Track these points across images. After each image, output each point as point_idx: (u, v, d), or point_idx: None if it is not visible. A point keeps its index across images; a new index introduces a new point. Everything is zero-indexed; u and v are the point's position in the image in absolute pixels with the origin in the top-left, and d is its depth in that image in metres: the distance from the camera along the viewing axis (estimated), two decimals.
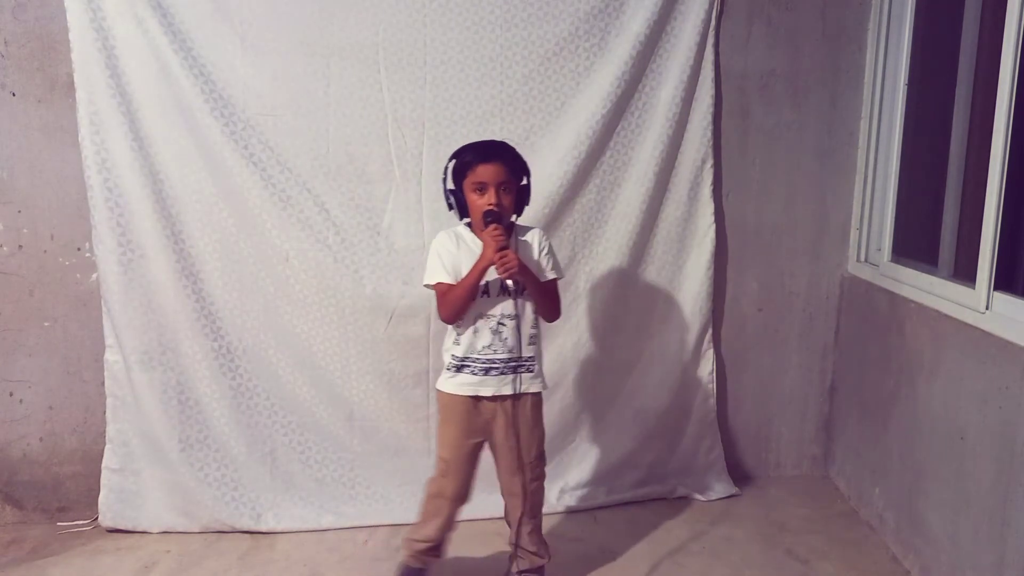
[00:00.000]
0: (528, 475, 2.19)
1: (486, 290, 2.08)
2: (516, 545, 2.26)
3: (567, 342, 2.84)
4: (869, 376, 2.77)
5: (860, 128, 2.93)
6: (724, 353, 3.05)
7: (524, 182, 2.11)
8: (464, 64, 2.64)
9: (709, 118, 2.82)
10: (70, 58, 2.46)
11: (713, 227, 2.89)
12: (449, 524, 2.21)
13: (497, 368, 2.10)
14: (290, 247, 2.63)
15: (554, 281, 2.18)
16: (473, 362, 2.10)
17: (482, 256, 2.01)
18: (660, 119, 2.77)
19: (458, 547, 2.54)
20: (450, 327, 2.14)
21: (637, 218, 2.81)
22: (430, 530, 2.21)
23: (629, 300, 2.89)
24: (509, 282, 2.01)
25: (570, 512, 2.82)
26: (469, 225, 2.13)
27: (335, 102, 2.61)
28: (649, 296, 2.91)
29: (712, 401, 3.01)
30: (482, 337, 2.10)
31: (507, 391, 2.12)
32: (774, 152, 2.93)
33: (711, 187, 2.87)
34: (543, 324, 2.20)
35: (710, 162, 2.85)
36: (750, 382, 3.09)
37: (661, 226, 2.88)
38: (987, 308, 2.10)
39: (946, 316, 2.27)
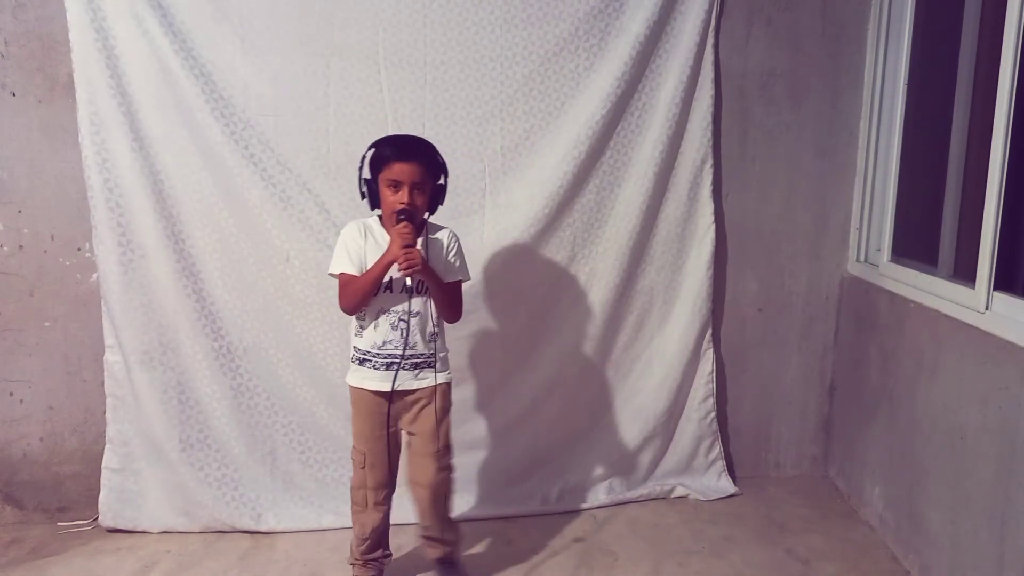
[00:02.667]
0: (435, 464, 2.19)
1: (389, 286, 2.09)
2: (425, 536, 2.30)
3: (567, 342, 2.84)
4: (869, 376, 2.77)
5: (860, 128, 2.93)
6: (724, 353, 3.05)
7: (441, 181, 2.12)
8: (464, 64, 2.64)
9: (709, 118, 2.82)
10: (70, 58, 2.46)
11: (713, 227, 2.89)
12: (381, 515, 2.22)
13: (398, 363, 2.11)
14: (290, 247, 2.63)
15: (458, 283, 2.20)
16: (375, 357, 2.12)
17: (387, 251, 2.03)
18: (660, 119, 2.77)
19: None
20: (353, 321, 2.16)
21: (637, 218, 2.81)
22: (363, 527, 2.23)
23: (629, 300, 2.89)
24: (408, 280, 2.02)
25: (570, 512, 2.82)
26: (381, 217, 2.14)
27: (335, 102, 2.61)
28: (649, 296, 2.91)
29: (712, 401, 3.01)
30: (383, 332, 2.11)
31: (409, 386, 2.15)
32: (774, 152, 2.93)
33: (711, 187, 2.87)
34: (446, 322, 2.22)
35: (710, 162, 2.85)
36: (750, 382, 3.09)
37: (661, 226, 2.88)
38: (987, 308, 2.10)
39: (946, 316, 2.27)
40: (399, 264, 1.99)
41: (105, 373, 2.63)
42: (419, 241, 2.04)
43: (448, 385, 2.23)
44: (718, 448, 3.04)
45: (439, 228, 2.20)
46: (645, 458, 2.97)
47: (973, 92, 2.43)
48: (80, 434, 2.73)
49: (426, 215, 2.13)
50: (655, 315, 2.93)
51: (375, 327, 2.12)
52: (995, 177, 2.06)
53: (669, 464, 3.01)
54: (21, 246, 2.61)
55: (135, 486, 2.67)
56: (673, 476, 3.00)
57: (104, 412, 2.65)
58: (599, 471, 2.93)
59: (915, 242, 2.74)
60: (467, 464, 2.80)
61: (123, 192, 2.52)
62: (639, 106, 2.77)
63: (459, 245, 2.22)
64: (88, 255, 2.62)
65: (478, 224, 2.71)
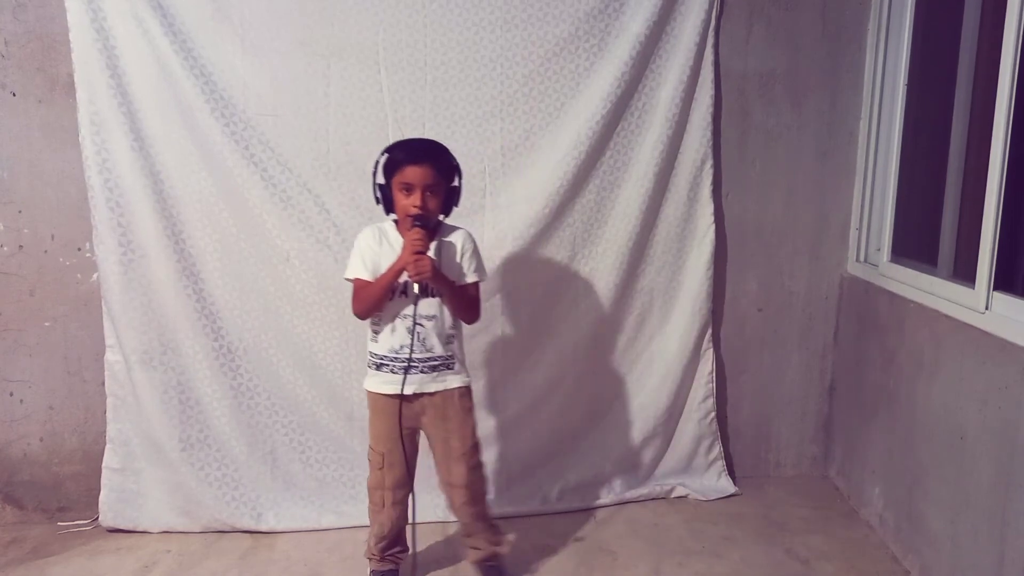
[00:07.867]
0: (465, 465, 2.21)
1: (405, 290, 2.10)
2: (466, 536, 2.31)
3: (567, 342, 2.84)
4: (869, 376, 2.77)
5: (860, 128, 2.93)
6: (724, 353, 3.05)
7: (455, 183, 2.13)
8: (464, 64, 2.64)
9: (709, 118, 2.82)
10: (70, 58, 2.46)
11: (713, 227, 2.89)
12: (398, 514, 2.24)
13: (416, 367, 2.12)
14: (290, 247, 2.63)
15: (475, 284, 2.20)
16: (392, 361, 2.13)
17: (399, 258, 2.05)
18: (660, 119, 2.77)
19: (457, 546, 2.55)
20: (369, 325, 2.17)
21: (637, 218, 2.81)
22: (381, 526, 2.25)
23: (629, 300, 2.89)
24: (416, 287, 2.04)
25: (570, 512, 2.82)
26: (396, 222, 2.15)
27: (335, 102, 2.61)
28: (649, 296, 2.91)
29: (712, 401, 3.01)
30: (400, 336, 2.11)
31: (429, 389, 2.16)
32: (774, 152, 2.93)
33: (711, 187, 2.87)
34: (464, 323, 2.23)
35: (710, 162, 2.85)
36: (750, 382, 3.09)
37: (661, 226, 2.88)
38: (987, 308, 2.10)
39: (946, 316, 2.27)
40: (408, 271, 2.01)
41: (105, 373, 2.63)
42: (432, 245, 2.05)
43: (467, 388, 2.24)
44: (718, 448, 3.04)
45: (454, 229, 2.20)
46: (645, 458, 2.98)
47: (973, 92, 2.43)
48: (80, 434, 2.73)
49: (440, 217, 2.14)
50: (655, 315, 2.93)
51: (392, 331, 2.13)
52: (995, 177, 2.06)
53: (669, 464, 3.01)
54: (21, 246, 2.61)
55: (135, 486, 2.67)
56: (673, 476, 3.01)
57: (104, 412, 2.65)
58: (599, 471, 2.93)
59: (915, 242, 2.74)
60: None
61: (123, 192, 2.52)
62: (639, 106, 2.77)
63: (475, 245, 2.22)
64: (88, 255, 2.62)
65: (478, 224, 2.71)
